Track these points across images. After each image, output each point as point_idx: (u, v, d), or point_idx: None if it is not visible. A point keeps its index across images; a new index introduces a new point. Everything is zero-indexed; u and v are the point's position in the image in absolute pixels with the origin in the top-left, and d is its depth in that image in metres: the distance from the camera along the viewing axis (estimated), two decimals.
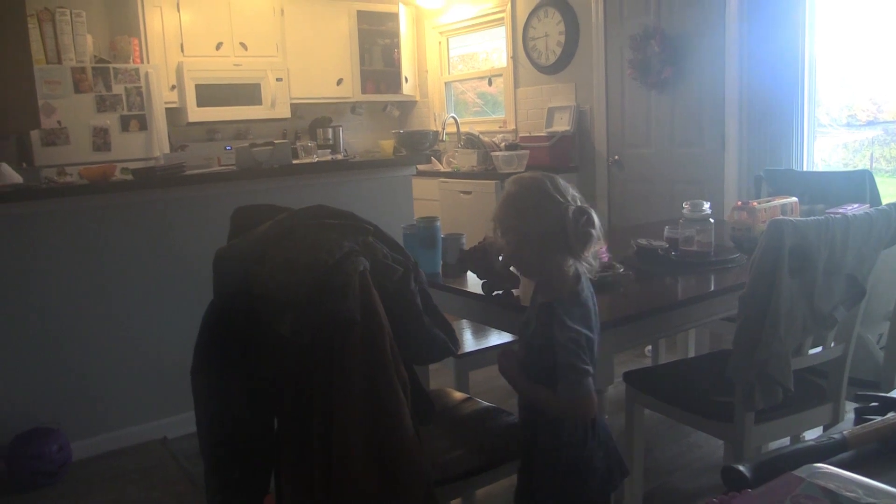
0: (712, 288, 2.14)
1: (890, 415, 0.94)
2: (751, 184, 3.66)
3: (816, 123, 3.83)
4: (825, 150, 3.92)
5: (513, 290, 2.03)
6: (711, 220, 2.29)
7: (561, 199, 1.50)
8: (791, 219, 1.77)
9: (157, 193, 3.03)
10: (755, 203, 2.44)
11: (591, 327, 1.54)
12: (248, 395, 1.54)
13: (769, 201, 2.48)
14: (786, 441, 2.78)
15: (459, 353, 2.61)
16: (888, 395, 1.01)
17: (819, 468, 0.75)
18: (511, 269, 1.87)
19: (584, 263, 1.54)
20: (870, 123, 4.04)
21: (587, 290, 1.57)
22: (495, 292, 2.04)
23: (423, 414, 1.66)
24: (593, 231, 1.51)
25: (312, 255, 1.39)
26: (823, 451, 0.87)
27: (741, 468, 0.81)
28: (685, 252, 2.30)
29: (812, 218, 1.78)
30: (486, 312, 2.17)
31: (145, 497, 2.69)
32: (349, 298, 1.39)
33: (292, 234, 1.45)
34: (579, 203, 1.52)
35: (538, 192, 1.52)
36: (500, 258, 1.78)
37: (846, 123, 4.07)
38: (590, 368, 1.49)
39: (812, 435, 2.74)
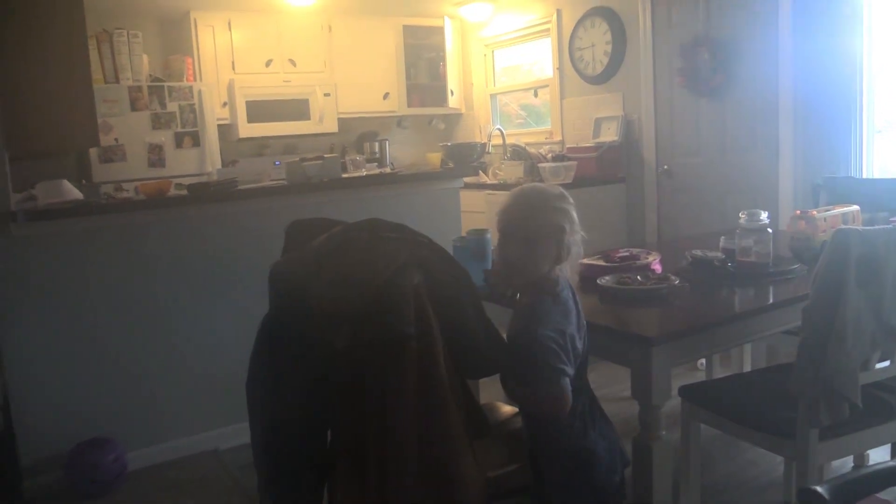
0: (771, 300, 2.08)
1: None
2: (806, 192, 3.56)
3: (874, 129, 3.71)
4: (883, 154, 3.79)
5: None
6: (769, 230, 2.23)
7: (569, 211, 1.61)
8: (857, 227, 1.71)
9: (211, 208, 3.08)
10: (815, 212, 2.37)
11: (574, 324, 1.60)
12: (302, 407, 1.55)
13: (829, 210, 2.40)
14: (849, 460, 2.69)
15: None
16: None
17: None
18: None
19: (565, 269, 1.64)
20: None
21: (566, 291, 1.64)
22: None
23: (478, 428, 1.64)
24: (581, 251, 1.65)
25: (367, 269, 1.40)
26: None
27: (819, 490, 0.78)
28: (742, 263, 2.24)
29: (880, 227, 1.71)
30: None
31: None
32: (404, 312, 1.39)
33: (347, 247, 1.46)
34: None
35: (553, 198, 1.61)
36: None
37: None
38: (567, 368, 1.54)
39: (877, 454, 2.64)
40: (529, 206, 1.61)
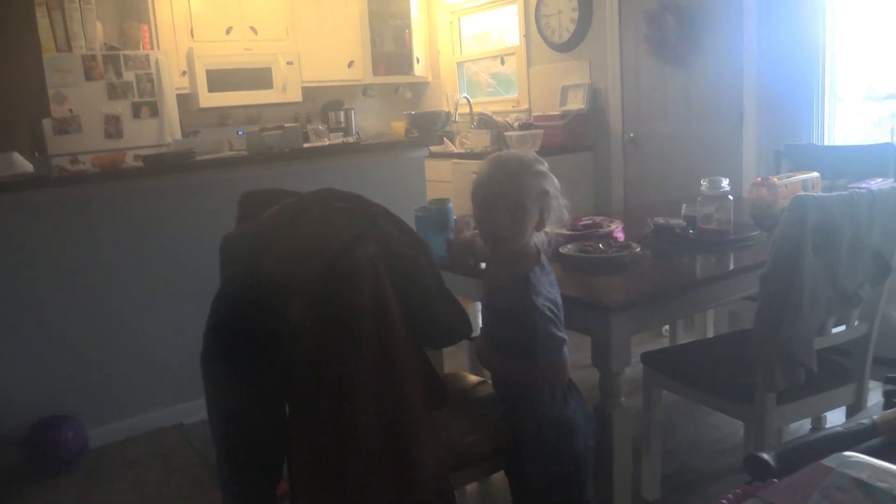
0: (732, 267, 2.09)
1: None
2: (769, 160, 3.58)
3: (836, 98, 3.73)
4: (845, 124, 3.83)
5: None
6: (730, 197, 2.23)
7: (549, 174, 1.60)
8: (814, 194, 1.71)
9: (167, 180, 3.01)
10: (775, 179, 2.38)
11: (558, 291, 1.62)
12: (259, 381, 1.52)
13: (790, 177, 2.41)
14: (807, 423, 2.75)
15: (473, 336, 2.58)
16: None
17: (849, 457, 0.71)
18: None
19: (542, 235, 1.63)
20: (890, 96, 3.94)
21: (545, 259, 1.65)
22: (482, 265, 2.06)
23: (436, 399, 1.63)
24: (566, 214, 1.63)
25: (321, 240, 1.36)
26: (852, 438, 0.83)
27: (765, 457, 0.78)
28: (703, 230, 2.25)
29: (836, 193, 1.72)
30: None
31: (163, 482, 2.70)
32: (358, 284, 1.36)
33: (300, 218, 1.42)
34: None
35: (532, 163, 1.59)
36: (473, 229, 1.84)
37: (865, 96, 3.97)
38: (565, 337, 1.56)
39: (834, 416, 2.70)
40: (510, 173, 1.57)
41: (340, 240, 1.36)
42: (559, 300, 1.59)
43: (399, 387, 1.44)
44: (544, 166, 1.61)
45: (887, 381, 0.98)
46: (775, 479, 0.71)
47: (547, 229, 1.62)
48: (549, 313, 1.54)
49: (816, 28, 3.61)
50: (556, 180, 1.60)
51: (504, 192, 1.55)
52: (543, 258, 1.64)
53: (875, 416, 0.86)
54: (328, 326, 1.37)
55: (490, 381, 2.20)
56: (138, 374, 3.07)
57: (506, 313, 1.61)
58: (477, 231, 1.95)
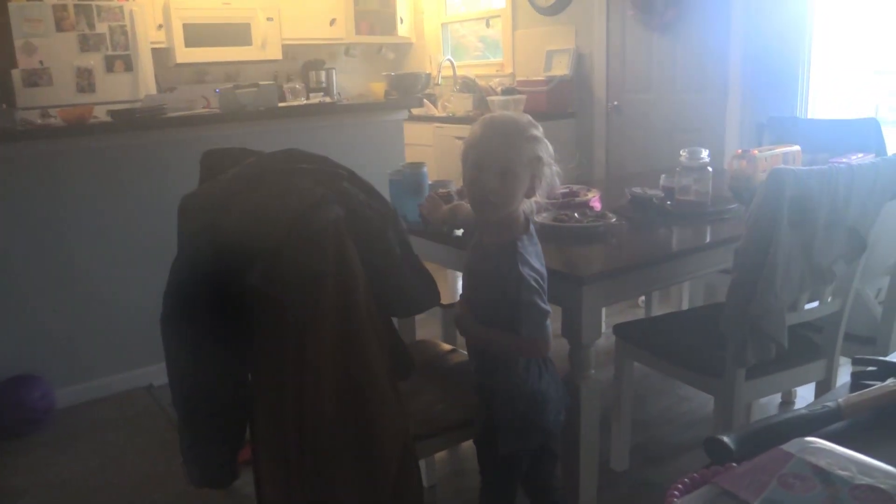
0: (708, 239, 2.06)
1: (889, 381, 0.87)
2: (752, 132, 3.55)
3: (821, 72, 3.70)
4: (829, 98, 3.81)
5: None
6: (710, 169, 2.20)
7: (543, 139, 1.52)
8: (792, 168, 1.68)
9: (138, 137, 2.92)
10: (756, 151, 2.34)
11: (543, 262, 1.57)
12: (220, 345, 1.47)
13: (771, 150, 2.38)
14: (777, 398, 2.76)
15: (445, 303, 2.55)
16: (888, 359, 0.94)
17: (810, 443, 0.68)
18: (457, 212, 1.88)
19: (531, 203, 1.57)
20: (875, 73, 3.92)
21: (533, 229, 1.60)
22: (457, 232, 2.02)
23: (402, 368, 1.60)
24: (558, 182, 1.57)
25: (282, 202, 1.31)
26: (815, 422, 0.80)
27: (725, 440, 0.75)
28: (681, 202, 2.21)
29: (814, 167, 1.69)
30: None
31: (130, 444, 2.67)
32: (322, 248, 1.32)
33: (262, 179, 1.37)
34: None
35: (526, 126, 1.51)
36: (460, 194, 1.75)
37: (853, 71, 3.95)
38: (549, 309, 1.52)
39: (804, 391, 2.71)
40: (504, 135, 1.49)
41: (303, 202, 1.31)
42: (544, 272, 1.55)
43: (362, 355, 1.40)
44: (539, 131, 1.53)
45: (855, 362, 0.96)
46: (734, 464, 0.69)
47: (537, 197, 1.56)
48: (534, 283, 1.49)
49: (805, 3, 3.56)
50: (550, 146, 1.53)
51: (496, 154, 1.48)
52: (532, 227, 1.59)
53: (840, 399, 0.84)
54: (289, 291, 1.33)
55: (464, 350, 2.18)
56: (106, 334, 3.02)
57: (489, 279, 1.55)
58: (456, 205, 1.90)
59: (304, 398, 1.42)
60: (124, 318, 3.03)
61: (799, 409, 0.83)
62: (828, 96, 3.76)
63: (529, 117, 1.55)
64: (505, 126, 1.51)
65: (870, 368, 0.95)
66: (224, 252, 1.34)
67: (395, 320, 1.67)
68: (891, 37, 3.73)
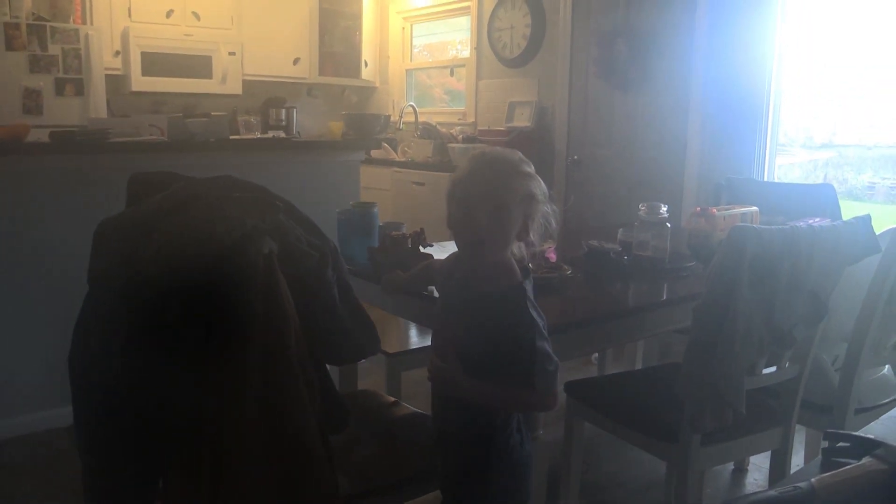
0: (665, 297, 2.00)
1: (865, 460, 0.78)
2: (710, 192, 3.55)
3: (778, 134, 3.76)
4: (782, 167, 3.88)
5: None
6: (668, 225, 2.14)
7: (536, 177, 1.43)
8: (754, 226, 1.62)
9: (76, 160, 2.76)
10: (714, 210, 2.30)
11: None
12: (129, 391, 1.33)
13: (729, 209, 2.34)
14: (730, 465, 2.67)
15: (391, 351, 2.43)
16: (862, 434, 0.85)
17: None
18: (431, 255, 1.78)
19: (521, 247, 1.46)
20: (824, 146, 4.03)
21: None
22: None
23: (336, 420, 1.47)
24: (554, 223, 1.48)
25: (207, 232, 1.19)
26: None
27: None
28: (638, 257, 2.15)
29: (776, 226, 1.63)
30: (421, 309, 1.98)
31: (41, 490, 2.44)
32: (248, 285, 1.19)
33: (188, 206, 1.25)
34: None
35: (518, 163, 1.42)
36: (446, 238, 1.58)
37: (802, 144, 4.05)
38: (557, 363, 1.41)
39: (757, 459, 2.63)
40: (495, 171, 1.40)
41: (231, 233, 1.18)
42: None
43: (288, 404, 1.27)
44: (531, 168, 1.44)
45: (827, 436, 0.87)
46: None
47: (531, 239, 1.44)
48: (543, 331, 1.38)
49: (763, 69, 3.62)
50: (543, 185, 1.43)
51: (486, 190, 1.37)
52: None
53: (813, 480, 0.74)
54: (211, 331, 1.20)
55: (408, 403, 2.04)
56: (20, 371, 2.80)
57: (489, 330, 1.40)
58: (425, 264, 1.79)
59: (222, 452, 1.28)
60: (38, 355, 2.81)
61: (767, 490, 0.73)
62: (780, 165, 3.83)
63: (521, 154, 1.46)
64: (496, 161, 1.42)
65: (841, 444, 0.86)
66: (140, 285, 1.21)
67: (332, 368, 1.55)
68: (839, 114, 3.85)
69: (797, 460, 2.40)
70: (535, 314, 1.38)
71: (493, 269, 1.43)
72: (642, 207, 2.17)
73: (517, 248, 1.45)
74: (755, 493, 0.71)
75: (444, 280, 1.57)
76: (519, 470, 1.47)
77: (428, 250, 2.00)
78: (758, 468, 2.64)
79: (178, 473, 1.40)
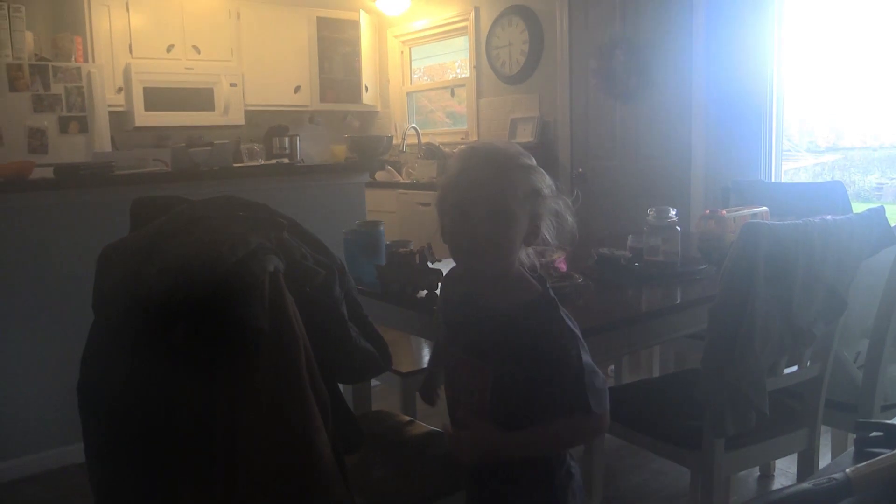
0: (679, 300, 1.96)
1: None
2: (716, 198, 3.52)
3: (783, 135, 3.73)
4: (788, 172, 3.86)
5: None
6: (678, 228, 2.12)
7: (539, 169, 1.22)
8: (767, 222, 1.60)
9: (81, 194, 2.77)
10: (724, 212, 2.27)
11: None
12: (140, 414, 1.30)
13: (739, 210, 2.32)
14: (755, 470, 2.61)
15: (405, 371, 2.40)
16: (895, 422, 0.82)
17: None
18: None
19: (530, 253, 1.28)
20: (829, 149, 4.01)
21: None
22: (420, 293, 1.87)
23: (350, 440, 1.44)
24: (570, 219, 1.26)
25: (211, 252, 1.17)
26: (824, 497, 0.67)
27: None
28: (650, 262, 2.12)
29: (790, 222, 1.61)
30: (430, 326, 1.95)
31: None
32: (255, 304, 1.17)
33: (191, 227, 1.23)
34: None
35: (516, 154, 1.22)
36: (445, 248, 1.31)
37: (807, 148, 4.04)
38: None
39: (782, 464, 2.57)
40: (490, 168, 1.18)
41: (235, 253, 1.17)
42: None
43: (299, 425, 1.24)
44: (532, 160, 1.22)
45: (859, 427, 0.83)
46: None
47: (544, 239, 1.24)
48: (583, 342, 1.20)
49: (765, 67, 3.60)
50: (548, 178, 1.23)
51: (482, 191, 1.16)
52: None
53: (848, 470, 0.71)
54: (217, 352, 1.18)
55: (423, 423, 1.96)
56: (30, 408, 2.78)
57: (517, 353, 1.19)
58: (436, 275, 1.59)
59: (234, 474, 1.25)
60: (56, 390, 2.80)
61: (802, 483, 0.70)
62: (786, 170, 3.81)
63: (518, 145, 1.27)
64: (490, 156, 1.21)
65: (874, 434, 0.83)
66: (143, 306, 1.19)
67: (345, 389, 1.52)
68: (843, 117, 3.84)
69: (824, 463, 2.35)
70: (570, 324, 1.21)
71: (501, 284, 1.24)
72: (650, 212, 2.15)
73: (525, 256, 1.26)
74: (789, 486, 0.68)
75: (449, 312, 1.34)
76: (580, 497, 1.31)
77: (436, 265, 1.98)
78: (783, 473, 2.58)
79: (192, 497, 1.37)
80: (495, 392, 1.22)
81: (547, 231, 1.23)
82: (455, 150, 1.24)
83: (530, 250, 1.28)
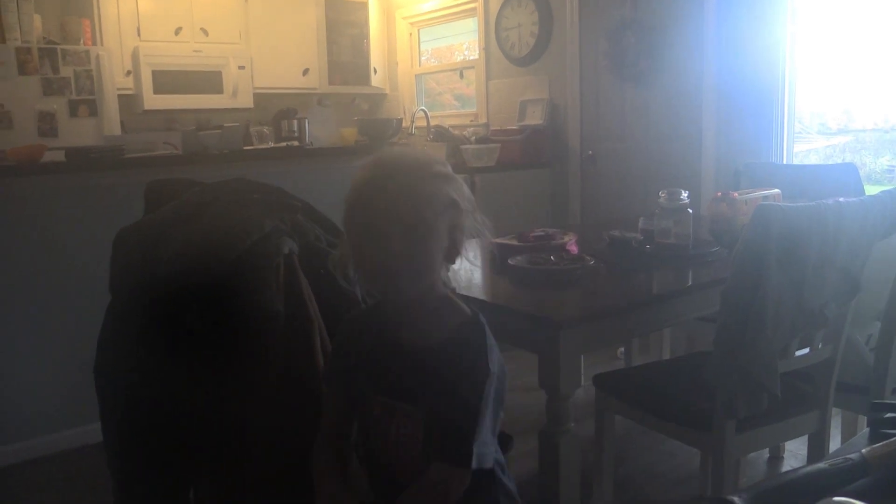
0: (690, 283, 1.96)
1: None
2: (727, 180, 3.50)
3: (794, 117, 3.70)
4: (799, 154, 3.84)
5: None
6: (689, 210, 2.11)
7: (456, 178, 1.12)
8: (779, 204, 1.59)
9: (92, 177, 2.78)
10: (736, 194, 2.26)
11: None
12: (155, 396, 1.32)
13: (750, 192, 2.30)
14: (765, 452, 2.62)
15: None
16: None
17: (839, 503, 0.56)
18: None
19: (447, 271, 1.14)
20: (840, 131, 3.98)
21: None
22: None
23: None
24: (489, 235, 1.14)
25: (225, 235, 1.18)
26: (840, 477, 0.68)
27: (737, 500, 0.62)
28: (661, 244, 2.12)
29: (802, 204, 1.60)
30: None
31: None
32: (269, 286, 1.18)
33: (205, 210, 1.24)
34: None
35: (429, 163, 1.11)
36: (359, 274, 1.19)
37: (818, 130, 4.01)
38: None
39: (792, 446, 2.58)
40: (402, 175, 1.07)
41: (249, 235, 1.17)
42: None
43: (313, 409, 1.25)
44: (447, 168, 1.12)
45: (873, 408, 0.84)
46: None
47: (465, 256, 1.12)
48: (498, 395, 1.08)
49: (777, 49, 3.56)
50: (465, 188, 1.12)
51: (394, 205, 1.04)
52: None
53: (864, 451, 0.71)
54: (232, 335, 1.19)
55: None
56: (53, 386, 2.81)
57: (443, 384, 1.07)
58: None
59: (247, 456, 1.26)
60: (73, 371, 2.83)
61: (817, 463, 0.70)
62: (797, 152, 3.78)
63: (431, 153, 1.20)
64: (399, 166, 1.09)
65: (889, 415, 0.83)
66: (160, 289, 1.20)
67: None
68: (854, 99, 3.80)
69: (834, 445, 2.35)
70: (494, 355, 1.09)
71: (425, 309, 1.12)
72: (662, 194, 2.14)
73: (443, 274, 1.14)
74: (805, 466, 0.68)
75: (362, 356, 1.18)
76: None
77: None
78: (793, 455, 2.59)
79: (209, 481, 1.39)
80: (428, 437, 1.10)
81: (462, 249, 1.12)
82: (359, 163, 1.14)
83: (448, 270, 1.14)
